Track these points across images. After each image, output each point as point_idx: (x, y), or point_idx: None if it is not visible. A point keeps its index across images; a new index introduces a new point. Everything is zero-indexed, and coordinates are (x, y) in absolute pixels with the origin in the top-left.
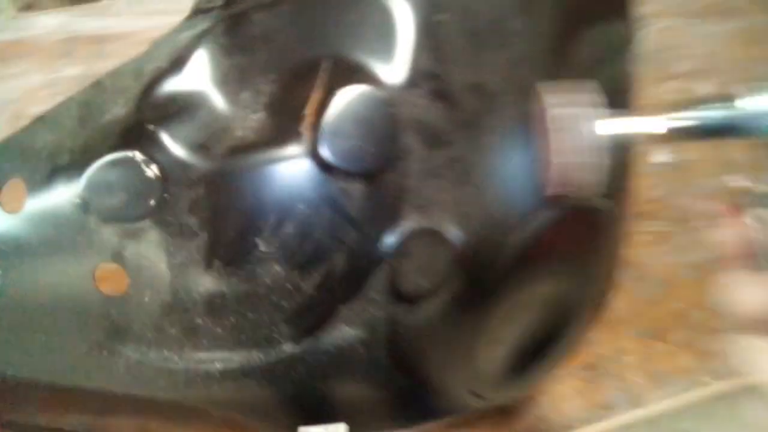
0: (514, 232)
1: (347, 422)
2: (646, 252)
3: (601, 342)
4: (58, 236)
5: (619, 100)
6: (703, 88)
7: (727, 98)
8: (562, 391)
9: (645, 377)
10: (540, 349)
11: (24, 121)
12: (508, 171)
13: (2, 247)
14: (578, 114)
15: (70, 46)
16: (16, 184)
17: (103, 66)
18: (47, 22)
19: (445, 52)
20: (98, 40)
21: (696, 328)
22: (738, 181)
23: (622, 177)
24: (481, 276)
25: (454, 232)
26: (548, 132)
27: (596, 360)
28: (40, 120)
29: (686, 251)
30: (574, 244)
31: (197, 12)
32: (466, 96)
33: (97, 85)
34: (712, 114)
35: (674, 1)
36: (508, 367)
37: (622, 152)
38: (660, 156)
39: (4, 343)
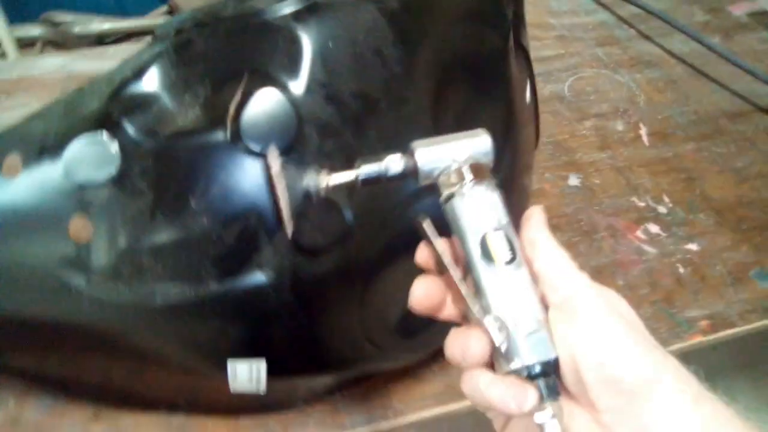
0: (392, 212)
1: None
2: None
3: None
4: (42, 196)
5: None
6: (616, 126)
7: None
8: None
9: None
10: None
11: None
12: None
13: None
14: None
15: (68, 83)
16: (14, 158)
17: None
18: (49, 63)
19: (335, 68)
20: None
21: None
22: (640, 202)
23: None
24: (365, 247)
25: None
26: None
27: None
28: (37, 114)
29: (588, 256)
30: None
31: (156, 38)
32: (351, 100)
33: (80, 90)
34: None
35: (591, 55)
36: (397, 323)
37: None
38: (572, 180)
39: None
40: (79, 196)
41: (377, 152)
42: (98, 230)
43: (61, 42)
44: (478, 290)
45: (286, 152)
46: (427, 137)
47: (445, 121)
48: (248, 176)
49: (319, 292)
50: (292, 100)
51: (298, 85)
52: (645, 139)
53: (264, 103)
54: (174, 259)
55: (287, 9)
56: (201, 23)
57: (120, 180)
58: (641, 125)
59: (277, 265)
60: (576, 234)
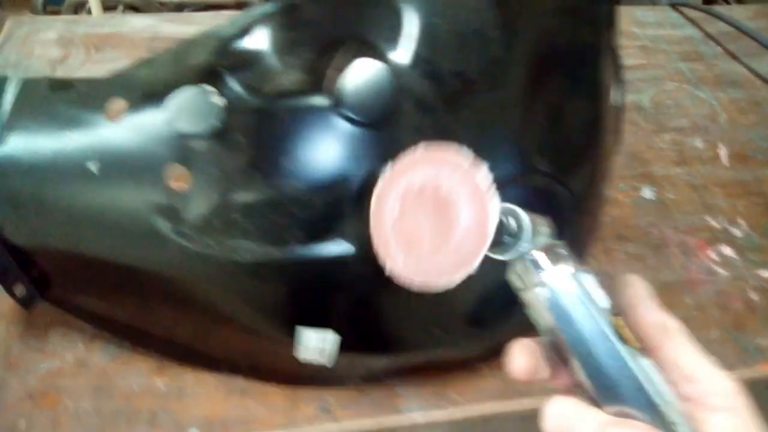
0: None
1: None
2: (621, 269)
3: None
4: (145, 142)
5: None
6: (695, 142)
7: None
8: None
9: None
10: (503, 308)
11: None
12: (479, 140)
13: (101, 146)
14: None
15: (154, 43)
16: (120, 102)
17: None
18: (135, 22)
19: (438, 46)
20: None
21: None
22: (714, 223)
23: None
24: None
25: None
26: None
27: None
28: (145, 62)
29: (657, 272)
30: None
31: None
32: (450, 79)
33: (189, 42)
34: None
35: (674, 69)
36: (470, 311)
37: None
38: (646, 192)
39: (92, 220)
40: (179, 145)
41: (470, 134)
42: (195, 181)
43: (143, 7)
44: (602, 378)
45: (381, 124)
46: (517, 124)
47: (535, 112)
48: (343, 143)
49: None
50: (393, 72)
51: (399, 58)
52: (724, 159)
53: (366, 72)
54: (263, 217)
55: None
56: None
57: (221, 133)
58: (720, 145)
59: (361, 235)
60: (646, 247)
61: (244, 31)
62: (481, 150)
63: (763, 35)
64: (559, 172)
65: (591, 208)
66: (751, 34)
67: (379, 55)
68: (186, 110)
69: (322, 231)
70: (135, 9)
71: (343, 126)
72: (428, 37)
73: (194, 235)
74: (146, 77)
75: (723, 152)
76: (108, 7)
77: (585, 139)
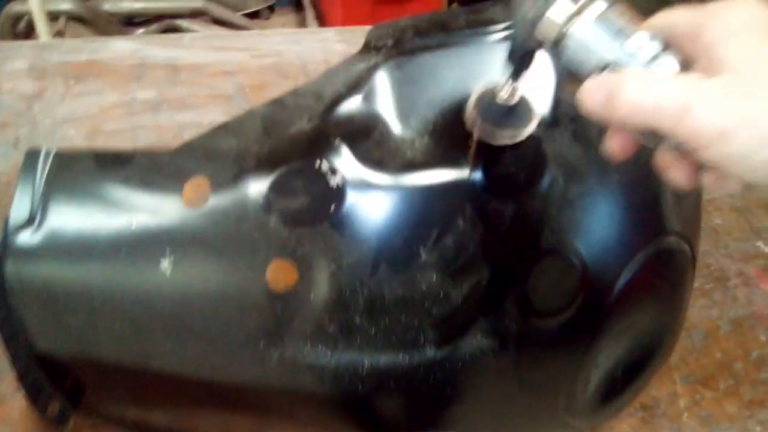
0: (626, 263)
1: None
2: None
3: (655, 385)
4: (237, 232)
5: None
6: None
7: None
8: (620, 428)
9: (696, 421)
10: (626, 379)
11: (101, 137)
12: (625, 212)
13: (178, 238)
14: None
15: (141, 70)
16: (200, 182)
17: (176, 92)
18: (120, 47)
19: None
20: (171, 68)
21: (739, 378)
22: (766, 248)
23: (696, 223)
24: (597, 300)
25: (579, 256)
26: None
27: (651, 401)
28: (223, 128)
29: (724, 306)
30: (666, 286)
31: (369, 48)
32: (599, 139)
33: (279, 103)
34: None
35: None
36: (599, 392)
37: (696, 200)
38: None
39: (162, 328)
40: (284, 235)
41: (619, 200)
42: (303, 279)
43: (88, 18)
44: None
45: (530, 196)
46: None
47: None
48: (488, 222)
49: (540, 359)
50: (539, 134)
51: (543, 116)
52: None
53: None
54: (391, 319)
55: None
56: (426, 33)
57: (339, 220)
58: None
59: (503, 329)
60: (708, 280)
61: (352, 88)
62: (628, 213)
63: None
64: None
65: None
66: None
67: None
68: (293, 193)
69: (459, 328)
70: (80, 20)
71: (486, 202)
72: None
73: (301, 344)
74: (230, 149)
75: None
76: (51, 16)
77: (695, 200)
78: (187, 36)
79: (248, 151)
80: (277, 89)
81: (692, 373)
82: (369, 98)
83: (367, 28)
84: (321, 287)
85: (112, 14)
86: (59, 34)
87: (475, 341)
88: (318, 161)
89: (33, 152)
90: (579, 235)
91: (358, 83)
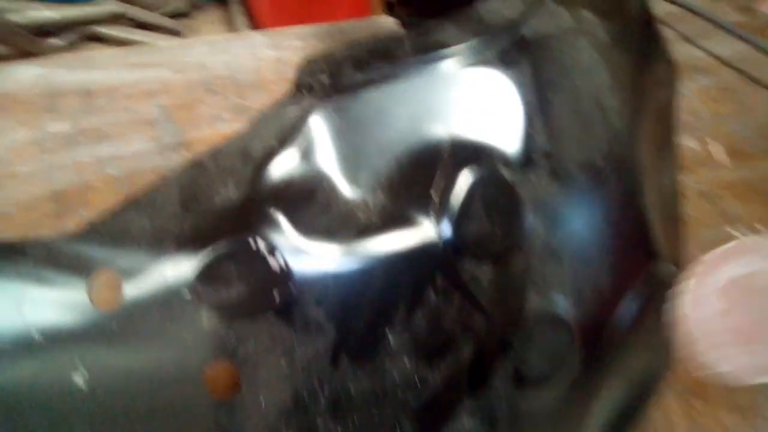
0: (618, 308)
1: None
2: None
3: None
4: (161, 333)
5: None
6: (688, 142)
7: None
8: None
9: None
10: (621, 424)
11: (15, 182)
12: (613, 247)
13: (88, 346)
14: None
15: (53, 100)
16: (108, 276)
17: (93, 122)
18: (24, 75)
19: (557, 130)
20: (84, 94)
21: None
22: (738, 232)
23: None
24: (592, 355)
25: (569, 312)
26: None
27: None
28: (133, 203)
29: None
30: (659, 317)
31: (300, 88)
32: (578, 174)
33: (198, 166)
34: None
35: None
36: None
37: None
38: None
39: None
40: (221, 333)
41: (604, 242)
42: (250, 382)
43: None
44: None
45: (509, 253)
46: (646, 209)
47: (653, 191)
48: (463, 289)
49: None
50: (512, 179)
51: (515, 156)
52: (719, 157)
53: (477, 185)
54: (362, 416)
55: (487, 46)
56: (366, 65)
57: (285, 308)
58: (708, 140)
59: (492, 406)
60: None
61: (285, 144)
62: (615, 248)
63: (716, 15)
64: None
65: None
66: (703, 14)
67: (489, 157)
68: (225, 279)
69: (442, 415)
70: None
71: (459, 266)
72: (546, 121)
73: None
74: (143, 230)
75: (715, 149)
76: None
77: (676, 211)
78: (100, 54)
79: (165, 232)
80: (209, 108)
81: (682, 385)
82: (306, 153)
83: (297, 28)
84: (272, 389)
85: (20, 26)
86: None
87: (462, 426)
88: (252, 239)
89: None
90: (567, 287)
91: (291, 134)
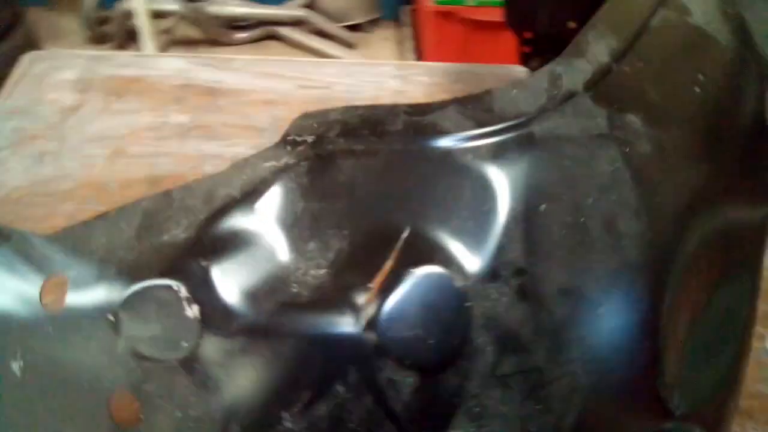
0: None
1: None
2: None
3: None
4: (84, 349)
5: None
6: None
7: None
8: None
9: None
10: None
11: (123, 160)
12: (593, 397)
13: (29, 339)
14: None
15: (182, 92)
16: (58, 281)
17: (209, 119)
18: (167, 65)
19: (540, 246)
20: (210, 92)
21: None
22: None
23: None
24: None
25: None
26: None
27: None
28: (103, 217)
29: None
30: None
31: (285, 143)
32: (555, 300)
33: (167, 197)
34: None
35: None
36: None
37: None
38: None
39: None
40: (131, 366)
41: (579, 388)
42: (147, 421)
43: (193, 20)
44: None
45: (440, 367)
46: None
47: (674, 342)
48: (378, 393)
49: None
50: (465, 289)
51: (477, 265)
52: None
53: (422, 288)
54: None
55: (485, 139)
56: (353, 134)
57: (191, 361)
58: None
59: None
60: None
61: (247, 197)
62: (601, 399)
63: None
64: (695, 413)
65: None
66: None
67: (446, 260)
68: (144, 317)
69: None
70: (189, 19)
71: (378, 368)
72: (528, 232)
73: None
74: (99, 248)
75: None
76: (159, 14)
77: (727, 369)
78: (238, 59)
79: (113, 256)
80: None
81: None
82: (263, 211)
83: (428, 65)
84: None
85: (215, 17)
86: (167, 32)
87: None
88: (177, 285)
89: None
90: (511, 421)
91: (257, 189)
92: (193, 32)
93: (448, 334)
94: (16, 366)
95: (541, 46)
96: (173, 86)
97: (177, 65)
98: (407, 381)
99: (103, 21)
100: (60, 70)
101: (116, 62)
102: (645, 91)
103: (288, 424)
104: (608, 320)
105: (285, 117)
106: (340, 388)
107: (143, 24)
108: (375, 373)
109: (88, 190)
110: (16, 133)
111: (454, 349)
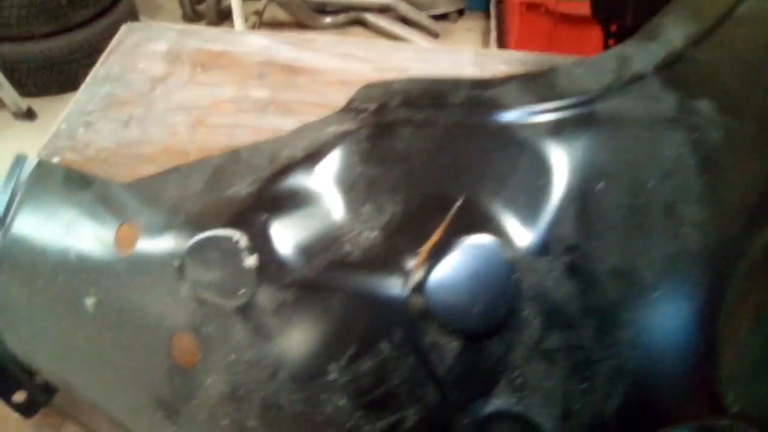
0: None
1: None
2: None
3: None
4: (152, 289)
5: None
6: None
7: None
8: None
9: None
10: None
11: (203, 129)
12: (641, 383)
13: (102, 278)
14: None
15: (264, 68)
16: (131, 228)
17: (287, 96)
18: (251, 42)
19: (595, 224)
20: (290, 71)
21: None
22: None
23: None
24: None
25: (547, 424)
26: None
27: None
28: (176, 170)
29: None
30: None
31: (349, 109)
32: (607, 280)
33: (235, 155)
34: None
35: None
36: None
37: None
38: None
39: (82, 364)
40: (191, 309)
41: (628, 368)
42: (204, 361)
43: (283, 3)
44: None
45: (485, 335)
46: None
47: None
48: (422, 355)
49: None
50: (514, 260)
51: (528, 238)
52: None
53: (471, 256)
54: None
55: (545, 116)
56: (414, 104)
57: (247, 307)
58: None
59: None
60: None
61: (309, 158)
62: (649, 385)
63: None
64: (752, 414)
65: None
66: None
67: (497, 231)
68: (206, 264)
69: None
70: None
71: (424, 330)
72: (582, 210)
73: (195, 429)
74: (169, 198)
75: None
76: None
77: None
78: (319, 40)
79: (182, 206)
80: None
81: None
82: (323, 173)
83: (506, 53)
84: (218, 375)
85: (304, 1)
86: (257, 13)
87: None
88: (238, 236)
89: (21, 158)
90: (554, 399)
91: (319, 152)
92: (282, 15)
93: (494, 304)
94: (89, 302)
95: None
96: (256, 62)
97: (260, 42)
98: (451, 346)
99: (199, 0)
100: (152, 41)
101: (204, 36)
102: (721, 79)
103: (333, 377)
104: (662, 307)
105: None
106: (384, 347)
107: (235, 4)
108: (419, 335)
109: (168, 156)
110: (108, 98)
111: (499, 319)
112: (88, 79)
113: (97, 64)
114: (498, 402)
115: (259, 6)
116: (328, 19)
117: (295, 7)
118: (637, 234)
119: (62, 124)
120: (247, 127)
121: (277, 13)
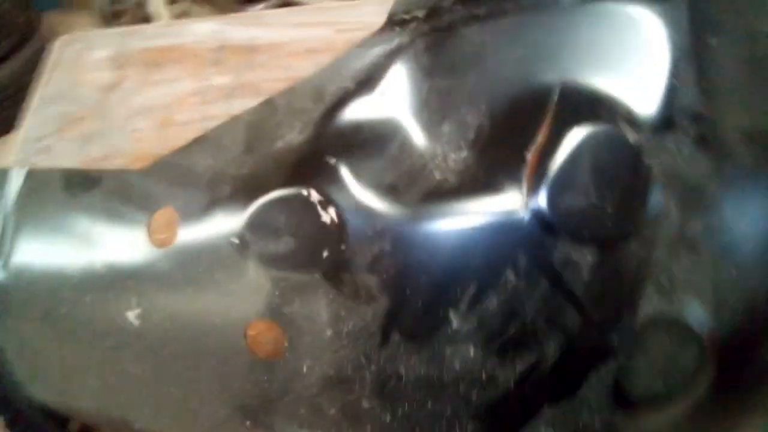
0: None
1: None
2: None
3: None
4: (209, 279)
5: None
6: None
7: None
8: None
9: None
10: None
11: (172, 129)
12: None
13: (143, 284)
14: None
15: (220, 54)
16: (167, 215)
17: (253, 77)
18: (199, 29)
19: (716, 86)
20: (248, 51)
21: None
22: None
23: None
24: (729, 380)
25: (704, 322)
26: None
27: None
28: (202, 140)
29: None
30: None
31: (392, 23)
32: (740, 146)
33: (269, 105)
34: None
35: None
36: None
37: None
38: None
39: (136, 391)
40: (266, 289)
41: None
42: (293, 345)
43: None
44: None
45: (622, 237)
46: None
47: None
48: (554, 275)
49: None
50: (639, 143)
51: (650, 115)
52: None
53: (590, 149)
54: (413, 405)
55: None
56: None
57: (335, 270)
58: None
59: (579, 424)
60: None
61: (363, 86)
62: None
63: None
64: None
65: None
66: None
67: (611, 114)
68: (274, 231)
69: (514, 421)
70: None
71: (551, 247)
72: (699, 71)
73: (296, 429)
74: (205, 170)
75: None
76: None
77: None
78: (269, 13)
79: (224, 174)
80: None
81: None
82: (385, 98)
83: None
84: (315, 358)
85: None
86: (183, 15)
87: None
88: (306, 190)
89: (3, 172)
90: (705, 292)
91: (372, 76)
92: (208, 12)
93: (627, 199)
94: (132, 315)
95: None
96: (209, 49)
97: (209, 28)
98: (586, 258)
99: (118, 14)
100: (93, 50)
101: (148, 34)
102: None
103: (456, 324)
104: None
105: None
106: (509, 277)
107: (158, 10)
108: (548, 254)
109: (141, 164)
110: (60, 119)
111: (635, 216)
112: (33, 103)
113: (40, 85)
114: (648, 310)
115: (183, 8)
116: (259, 7)
117: (221, 1)
118: (761, 89)
119: (16, 157)
120: (217, 116)
121: (202, 12)
